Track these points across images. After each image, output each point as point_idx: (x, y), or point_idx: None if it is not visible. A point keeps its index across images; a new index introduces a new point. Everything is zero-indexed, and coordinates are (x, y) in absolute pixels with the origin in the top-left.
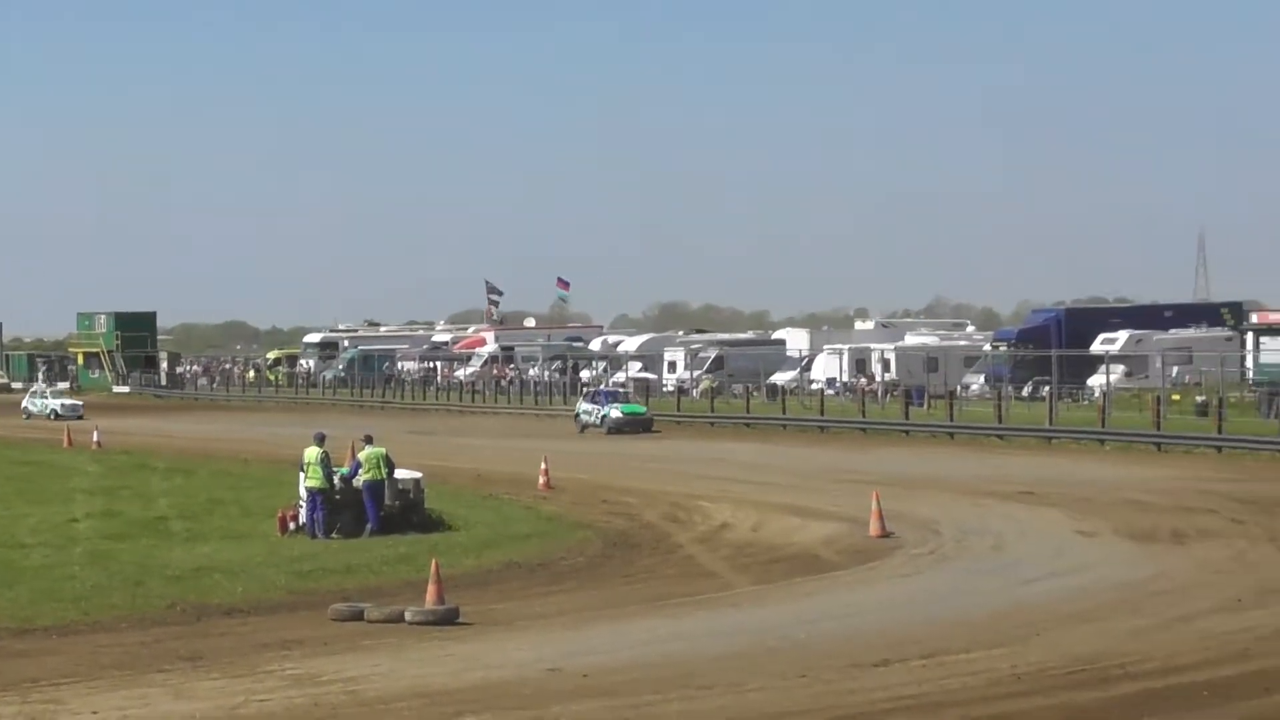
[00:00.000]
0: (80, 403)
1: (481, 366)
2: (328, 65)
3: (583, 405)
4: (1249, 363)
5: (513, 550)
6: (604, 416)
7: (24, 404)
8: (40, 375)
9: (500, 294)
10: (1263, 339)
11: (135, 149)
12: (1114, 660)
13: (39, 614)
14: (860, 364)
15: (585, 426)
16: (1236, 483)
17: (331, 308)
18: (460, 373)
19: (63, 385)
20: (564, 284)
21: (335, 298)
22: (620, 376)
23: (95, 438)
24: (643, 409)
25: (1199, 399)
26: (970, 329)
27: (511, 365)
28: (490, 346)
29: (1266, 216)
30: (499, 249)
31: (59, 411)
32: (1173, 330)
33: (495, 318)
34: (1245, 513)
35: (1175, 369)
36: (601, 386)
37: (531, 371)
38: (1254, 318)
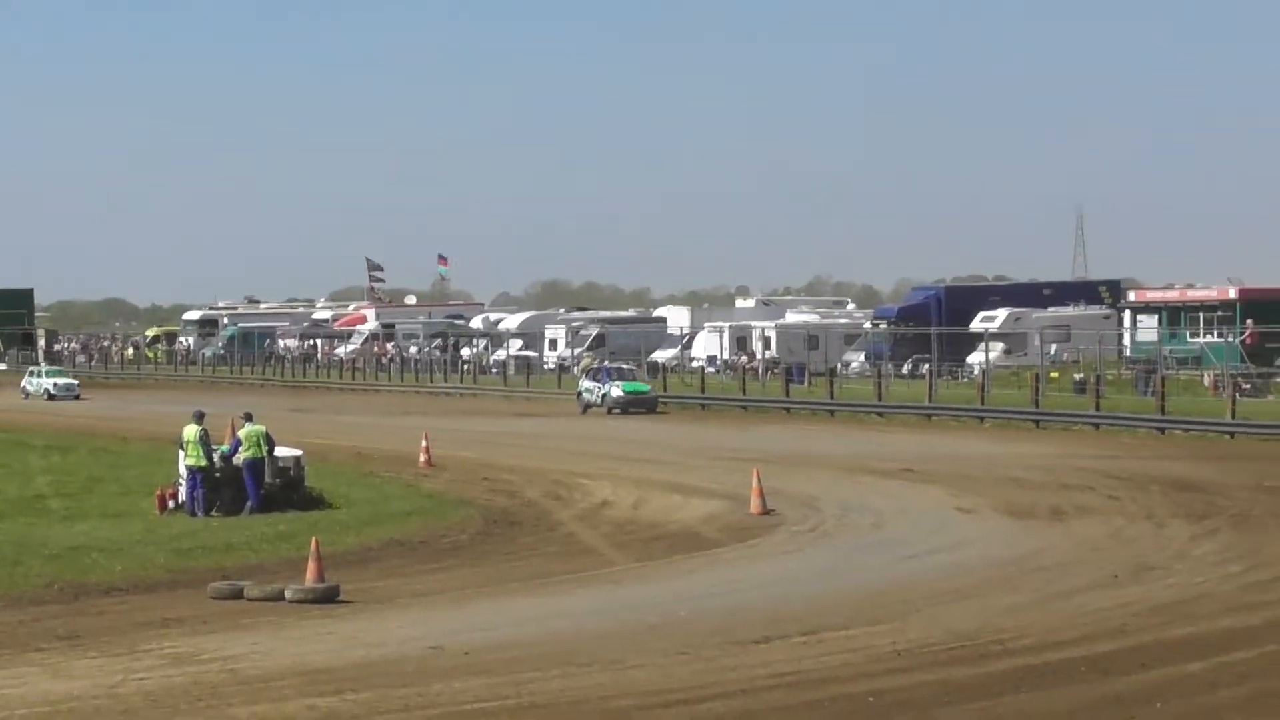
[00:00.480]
0: (76, 382)
1: (362, 344)
2: (204, 42)
3: (584, 383)
4: (1126, 340)
5: (393, 528)
6: (605, 395)
7: (23, 383)
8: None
9: (381, 269)
10: (1140, 317)
11: (11, 123)
12: (993, 636)
13: None
14: (741, 342)
15: (587, 406)
16: (1113, 460)
17: (211, 285)
18: (341, 350)
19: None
20: (444, 260)
21: (215, 275)
22: (501, 354)
23: None
24: (646, 387)
25: (1077, 376)
26: (851, 307)
27: (392, 343)
28: (371, 324)
29: (1143, 196)
30: (380, 226)
31: (52, 391)
32: (1051, 308)
33: (378, 295)
34: (1122, 489)
35: (1054, 347)
36: (605, 363)
37: (412, 349)
38: (1131, 296)
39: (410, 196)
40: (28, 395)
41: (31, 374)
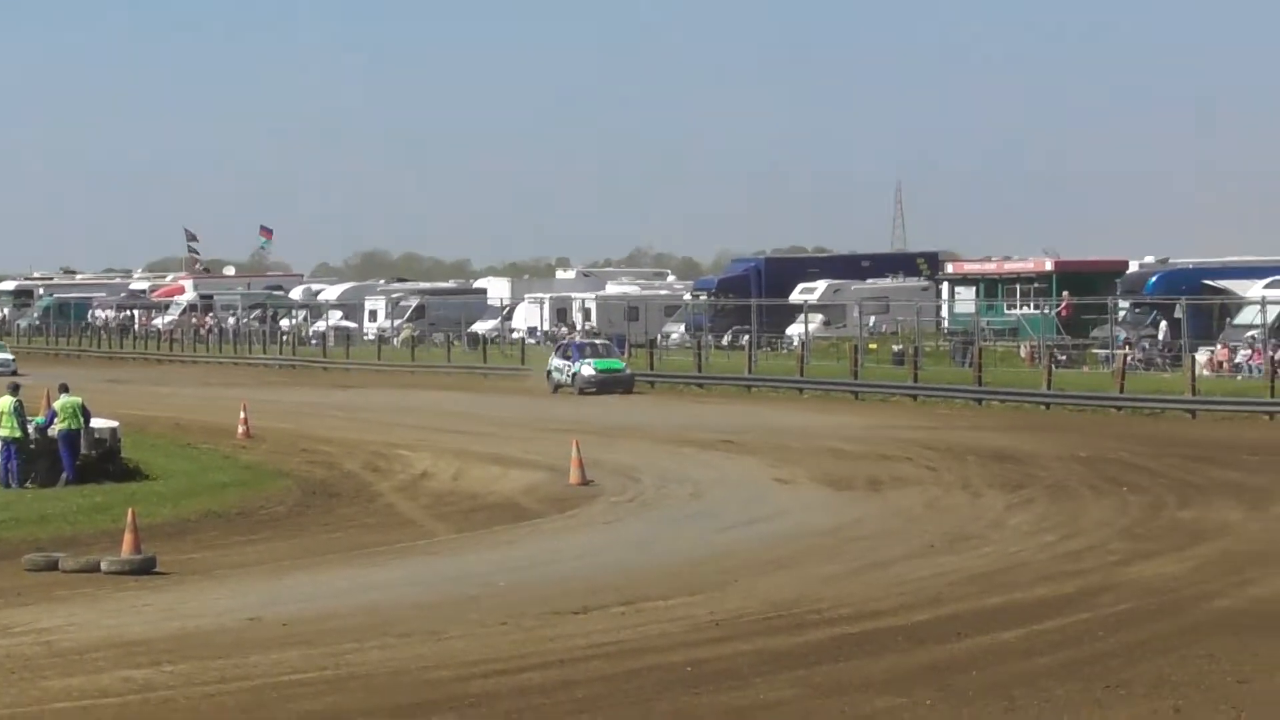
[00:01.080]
0: (11, 357)
1: (180, 315)
2: (22, 7)
3: (554, 361)
4: (944, 312)
5: (211, 500)
6: (575, 374)
7: None
8: None
9: (196, 239)
10: (957, 289)
11: None
12: (810, 606)
13: None
14: (561, 313)
15: (558, 386)
16: (931, 430)
17: (26, 255)
18: (158, 321)
19: None
20: (267, 232)
21: (30, 245)
22: (320, 325)
23: None
24: (621, 364)
25: (895, 348)
26: (671, 278)
27: (210, 314)
28: (189, 295)
29: (961, 168)
30: (198, 195)
31: None
32: (870, 280)
33: (199, 265)
34: (939, 460)
35: (872, 318)
36: (575, 339)
37: (230, 320)
38: (949, 268)
39: (228, 165)
40: None
41: None
